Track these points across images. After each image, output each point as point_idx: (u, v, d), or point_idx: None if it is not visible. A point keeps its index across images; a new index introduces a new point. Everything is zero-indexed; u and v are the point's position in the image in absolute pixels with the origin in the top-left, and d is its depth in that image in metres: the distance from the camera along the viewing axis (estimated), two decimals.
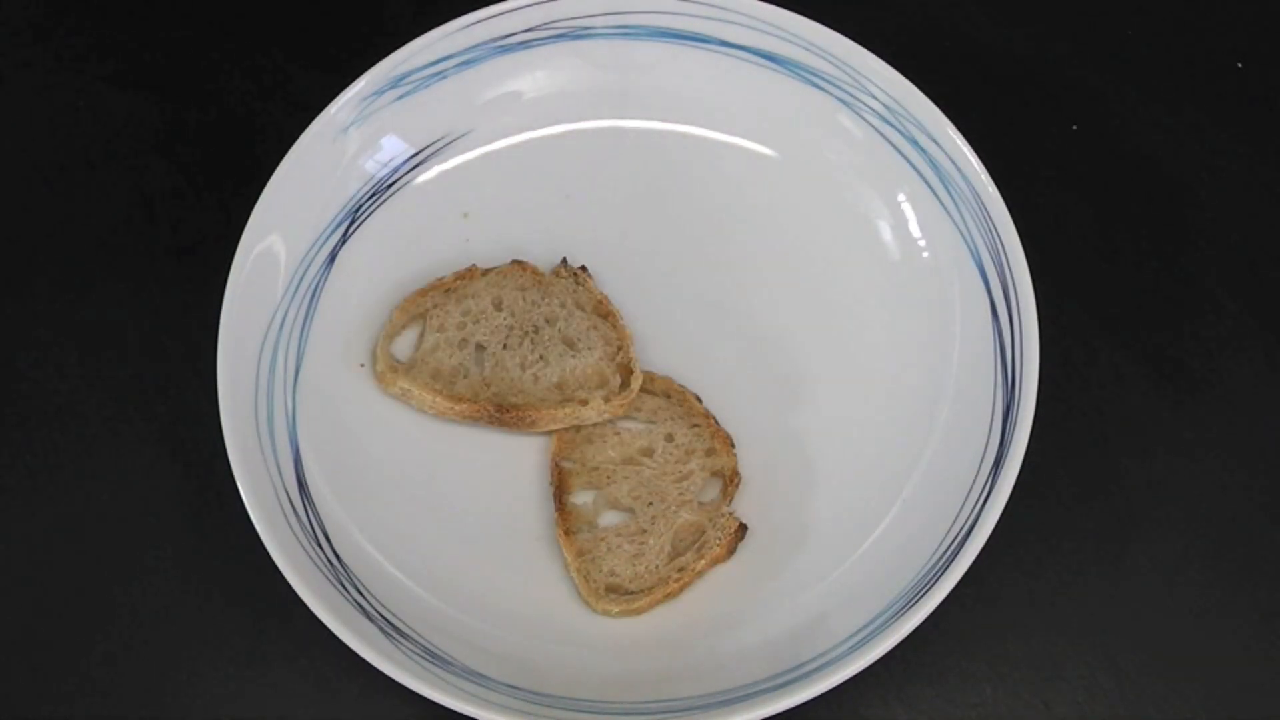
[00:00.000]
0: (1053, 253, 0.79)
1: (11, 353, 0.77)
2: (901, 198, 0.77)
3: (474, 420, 0.73)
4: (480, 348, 0.75)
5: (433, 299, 0.76)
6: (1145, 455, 0.75)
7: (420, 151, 0.79)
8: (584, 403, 0.72)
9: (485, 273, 0.76)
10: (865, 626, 0.65)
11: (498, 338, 0.75)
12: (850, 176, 0.78)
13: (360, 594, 0.67)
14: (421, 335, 0.75)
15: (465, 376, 0.74)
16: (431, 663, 0.65)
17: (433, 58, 0.78)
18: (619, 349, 0.74)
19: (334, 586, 0.66)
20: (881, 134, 0.77)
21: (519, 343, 0.75)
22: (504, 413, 0.72)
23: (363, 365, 0.75)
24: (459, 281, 0.76)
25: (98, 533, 0.73)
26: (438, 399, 0.72)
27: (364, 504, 0.71)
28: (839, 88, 0.77)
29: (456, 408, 0.72)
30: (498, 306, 0.75)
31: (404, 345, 0.75)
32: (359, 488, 0.71)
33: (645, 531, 0.71)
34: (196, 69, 0.86)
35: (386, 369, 0.73)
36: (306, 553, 0.66)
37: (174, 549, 0.72)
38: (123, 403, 0.76)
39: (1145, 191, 0.82)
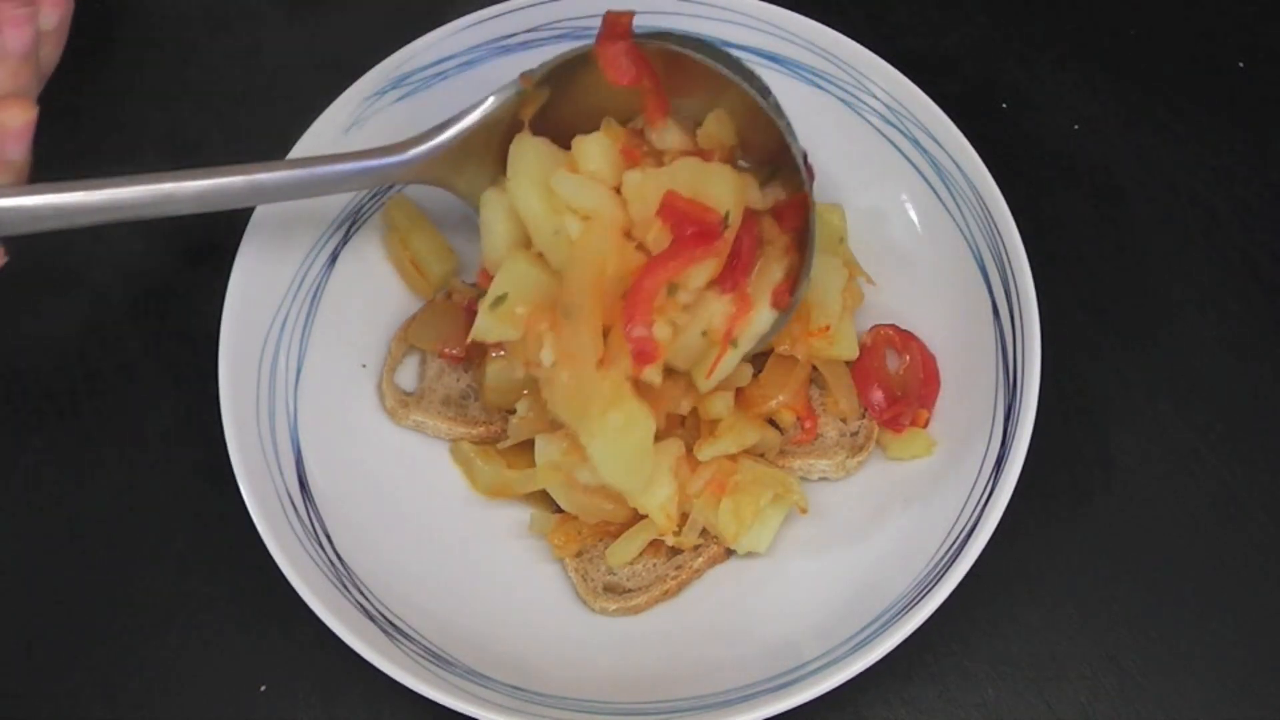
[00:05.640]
0: (1054, 253, 0.79)
1: (12, 352, 0.77)
2: (904, 198, 0.77)
3: (492, 440, 0.72)
4: None
5: None
6: (1145, 455, 0.75)
7: None
8: None
9: None
10: (867, 627, 0.65)
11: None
12: (852, 177, 0.78)
13: (361, 594, 0.67)
14: (423, 363, 0.75)
15: (475, 399, 0.73)
16: (432, 663, 0.65)
17: (434, 58, 0.77)
18: None
19: (335, 587, 0.66)
20: (883, 134, 0.77)
21: None
22: None
23: (364, 365, 0.75)
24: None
25: (99, 533, 0.72)
26: (453, 426, 0.72)
27: (365, 504, 0.71)
28: (840, 88, 0.77)
29: (473, 432, 0.72)
30: None
31: (406, 376, 0.75)
32: (360, 488, 0.71)
33: None
34: (197, 69, 0.86)
35: (396, 404, 0.73)
36: (308, 553, 0.66)
37: (175, 549, 0.72)
38: (124, 404, 0.76)
39: (1145, 191, 0.82)
